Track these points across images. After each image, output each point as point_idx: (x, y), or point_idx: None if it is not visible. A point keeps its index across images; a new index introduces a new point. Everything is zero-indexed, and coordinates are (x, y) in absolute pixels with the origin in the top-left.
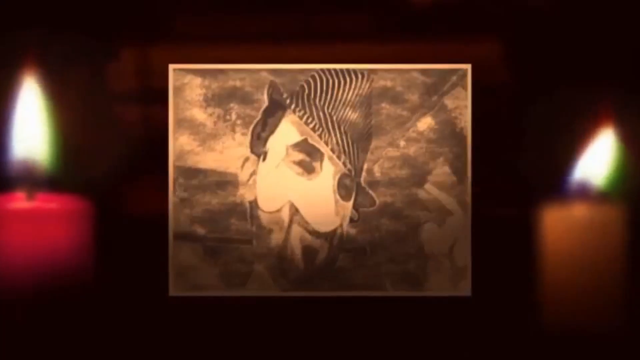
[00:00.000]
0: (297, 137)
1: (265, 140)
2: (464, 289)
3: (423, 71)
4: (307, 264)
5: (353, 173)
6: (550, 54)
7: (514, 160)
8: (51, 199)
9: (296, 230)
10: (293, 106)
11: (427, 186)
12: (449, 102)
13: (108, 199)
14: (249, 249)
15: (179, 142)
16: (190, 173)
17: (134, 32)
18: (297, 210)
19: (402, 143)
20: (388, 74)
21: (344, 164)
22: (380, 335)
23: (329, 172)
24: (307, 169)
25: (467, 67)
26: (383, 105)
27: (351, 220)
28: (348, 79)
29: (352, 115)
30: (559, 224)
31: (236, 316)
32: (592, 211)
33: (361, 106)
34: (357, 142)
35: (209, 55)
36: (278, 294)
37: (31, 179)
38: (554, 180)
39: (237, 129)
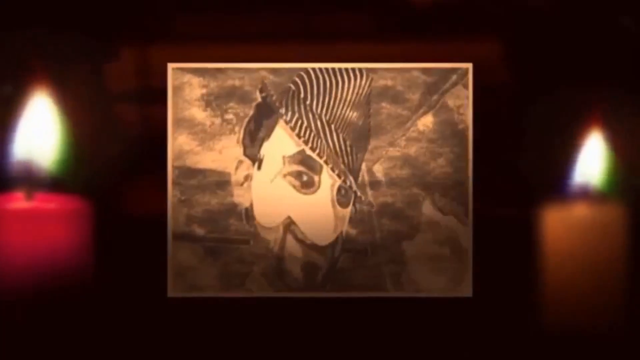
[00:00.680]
0: (293, 148)
1: (261, 143)
2: (465, 289)
3: (424, 70)
4: (308, 280)
5: (351, 178)
6: (550, 54)
7: (514, 160)
8: (50, 199)
9: (295, 246)
10: (283, 111)
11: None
12: (449, 100)
13: (107, 199)
14: (247, 249)
15: (178, 142)
16: (190, 173)
17: (134, 32)
18: (295, 224)
19: (402, 143)
20: (388, 73)
21: (339, 175)
22: (381, 336)
23: (327, 184)
24: (306, 184)
25: (468, 65)
26: (383, 104)
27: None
28: (346, 79)
29: (351, 114)
30: (559, 224)
31: (235, 317)
32: (593, 211)
33: (360, 105)
34: (355, 143)
35: (209, 55)
36: (278, 294)
37: (30, 179)
38: (554, 180)
39: (236, 128)
